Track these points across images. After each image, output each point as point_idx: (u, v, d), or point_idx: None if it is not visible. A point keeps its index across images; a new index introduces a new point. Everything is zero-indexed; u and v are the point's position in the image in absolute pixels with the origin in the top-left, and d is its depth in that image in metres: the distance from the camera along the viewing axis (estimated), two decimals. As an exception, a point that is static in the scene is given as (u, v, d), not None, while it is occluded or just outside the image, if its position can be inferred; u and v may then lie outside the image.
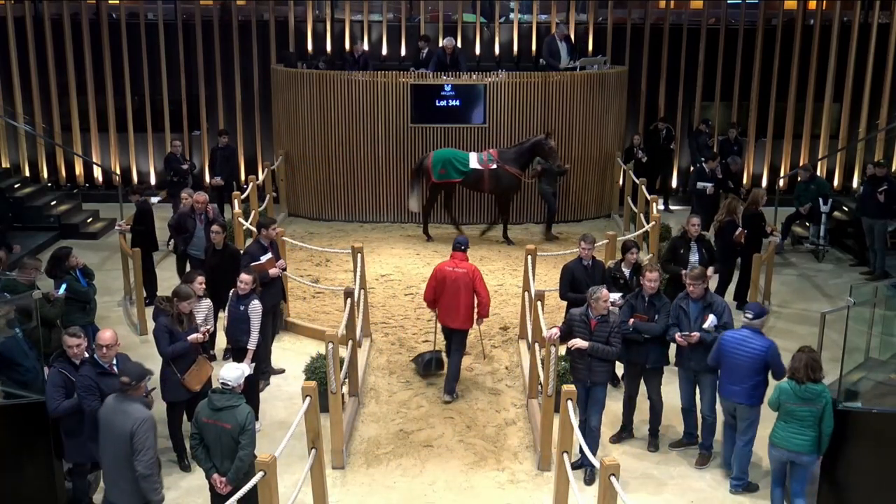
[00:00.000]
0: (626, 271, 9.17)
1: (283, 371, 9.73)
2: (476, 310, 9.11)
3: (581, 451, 7.32)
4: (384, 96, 14.96)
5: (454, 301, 9.01)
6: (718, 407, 8.10)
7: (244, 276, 8.43)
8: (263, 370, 9.47)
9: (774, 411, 7.15)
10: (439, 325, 9.50)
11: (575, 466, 7.40)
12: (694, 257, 9.96)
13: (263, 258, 9.52)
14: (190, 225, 10.91)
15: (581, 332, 7.67)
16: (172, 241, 11.70)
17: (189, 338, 7.71)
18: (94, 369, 6.75)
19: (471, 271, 9.05)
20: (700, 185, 13.63)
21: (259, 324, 8.40)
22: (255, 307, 8.36)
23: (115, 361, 6.86)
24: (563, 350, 8.11)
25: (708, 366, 7.86)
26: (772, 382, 7.48)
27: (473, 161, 13.97)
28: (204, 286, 8.53)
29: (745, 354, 7.45)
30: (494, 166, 13.91)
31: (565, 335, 7.78)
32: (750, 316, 7.59)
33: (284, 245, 10.90)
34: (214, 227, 9.91)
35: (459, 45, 16.14)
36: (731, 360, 7.51)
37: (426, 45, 15.70)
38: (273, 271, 9.56)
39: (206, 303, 8.63)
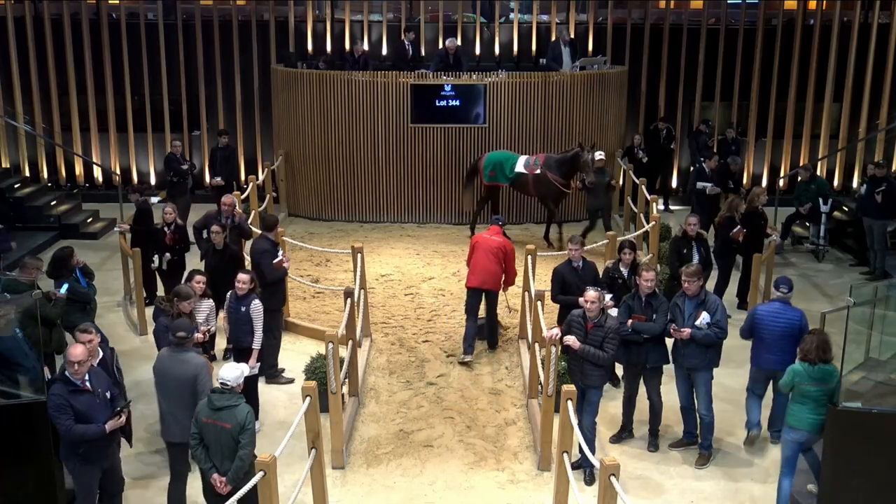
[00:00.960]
0: (624, 271, 9.17)
1: (292, 381, 9.58)
2: (504, 278, 10.19)
3: (581, 451, 7.33)
4: (384, 96, 14.96)
5: (484, 263, 9.98)
6: (716, 406, 8.11)
7: (242, 276, 8.34)
8: (271, 371, 9.48)
9: (786, 393, 7.33)
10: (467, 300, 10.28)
11: (575, 466, 7.40)
12: (696, 257, 10.06)
13: (281, 254, 9.60)
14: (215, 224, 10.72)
15: (578, 333, 7.67)
16: (158, 257, 10.93)
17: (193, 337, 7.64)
18: (65, 387, 6.46)
19: (504, 243, 10.16)
20: (700, 184, 13.62)
21: (261, 323, 8.35)
22: (256, 307, 8.31)
23: (87, 377, 6.55)
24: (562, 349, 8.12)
25: (701, 364, 7.92)
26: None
27: (520, 165, 13.85)
28: (203, 285, 8.50)
29: (781, 325, 8.02)
30: (538, 171, 13.71)
31: (565, 336, 7.77)
32: (785, 290, 8.19)
33: (285, 245, 10.91)
34: (214, 228, 9.89)
35: (459, 45, 16.13)
36: (767, 331, 8.08)
37: (413, 36, 15.74)
38: (286, 265, 9.71)
39: (208, 303, 8.61)
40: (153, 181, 17.30)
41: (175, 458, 7.05)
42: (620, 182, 15.81)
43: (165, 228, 10.81)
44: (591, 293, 7.61)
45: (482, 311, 10.31)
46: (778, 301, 8.18)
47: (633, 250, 9.27)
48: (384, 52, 17.01)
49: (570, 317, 7.87)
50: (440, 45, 16.79)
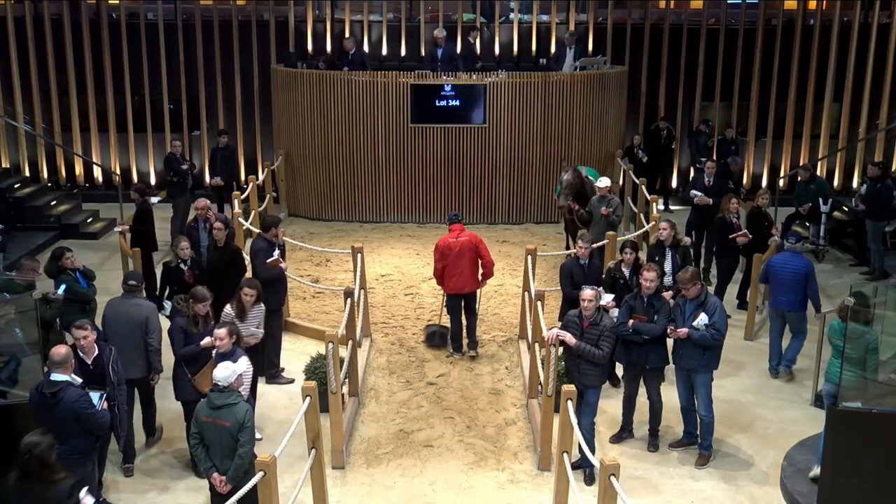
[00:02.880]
0: (626, 272, 9.16)
1: (292, 381, 9.55)
2: (481, 271, 10.07)
3: (581, 451, 7.33)
4: (384, 96, 14.96)
5: (461, 268, 9.89)
6: (716, 407, 8.11)
7: (219, 332, 7.18)
8: (272, 371, 9.47)
9: (832, 345, 8.00)
10: (444, 300, 10.32)
11: (574, 467, 7.40)
12: (669, 264, 9.69)
13: (276, 254, 9.50)
14: (194, 235, 10.65)
15: (574, 332, 7.67)
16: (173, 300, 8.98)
17: (201, 343, 7.54)
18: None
19: (471, 238, 10.01)
20: (692, 192, 13.04)
21: (251, 390, 7.45)
22: (245, 366, 6.95)
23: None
24: (562, 349, 8.12)
25: (698, 365, 7.92)
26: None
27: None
28: (253, 298, 8.20)
29: (790, 271, 9.55)
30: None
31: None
32: (793, 241, 9.73)
33: (285, 246, 10.88)
34: (217, 224, 9.88)
35: (459, 44, 16.14)
36: (779, 276, 9.64)
37: (353, 44, 15.69)
38: (282, 266, 9.55)
39: (259, 308, 8.34)
40: (153, 181, 17.30)
41: (134, 391, 7.94)
42: (620, 182, 15.81)
43: (182, 265, 9.39)
44: (587, 292, 7.65)
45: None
46: (788, 251, 9.73)
47: (635, 251, 9.24)
48: (384, 52, 17.00)
49: (567, 316, 7.89)
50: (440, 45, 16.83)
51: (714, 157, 16.70)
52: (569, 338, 7.58)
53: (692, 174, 16.92)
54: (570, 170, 11.90)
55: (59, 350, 6.42)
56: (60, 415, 6.30)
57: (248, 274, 9.62)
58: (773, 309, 9.88)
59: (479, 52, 16.36)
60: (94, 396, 6.54)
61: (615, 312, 8.29)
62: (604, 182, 11.38)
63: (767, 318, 10.36)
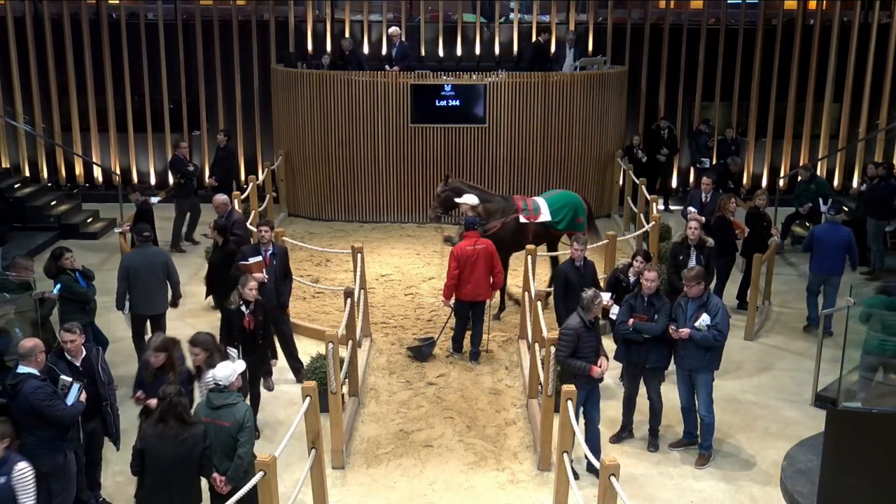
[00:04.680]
0: (632, 278, 9.06)
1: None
2: (492, 279, 10.00)
3: (586, 455, 7.31)
4: (384, 96, 14.95)
5: (477, 276, 9.80)
6: (717, 408, 8.09)
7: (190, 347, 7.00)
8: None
9: (864, 324, 8.32)
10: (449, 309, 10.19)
11: (590, 469, 7.61)
12: (693, 264, 9.61)
13: (252, 259, 9.21)
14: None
15: (590, 340, 7.60)
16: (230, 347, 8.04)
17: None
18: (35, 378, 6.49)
19: (490, 246, 9.95)
20: (688, 209, 12.24)
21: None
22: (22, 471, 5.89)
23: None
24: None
25: (699, 366, 7.91)
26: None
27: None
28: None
29: (835, 239, 10.68)
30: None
31: (572, 353, 7.58)
32: (833, 213, 11.08)
33: (277, 251, 10.66)
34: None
35: (459, 45, 16.13)
36: (825, 245, 10.71)
37: (350, 45, 15.69)
38: (258, 276, 8.78)
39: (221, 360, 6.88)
40: (153, 181, 17.29)
41: (155, 325, 9.39)
42: (620, 182, 15.79)
43: (243, 308, 8.07)
44: (603, 295, 7.74)
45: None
46: (829, 223, 10.98)
47: (647, 261, 8.93)
48: (384, 52, 17.00)
49: (570, 332, 7.62)
50: (440, 46, 16.83)
51: (714, 157, 16.74)
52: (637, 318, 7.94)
53: (692, 174, 16.99)
54: (442, 184, 11.53)
55: (26, 343, 6.54)
56: (20, 406, 6.40)
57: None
58: (813, 275, 10.97)
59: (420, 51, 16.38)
60: (74, 388, 6.56)
61: (615, 310, 8.33)
62: (467, 199, 10.92)
63: (807, 283, 11.26)
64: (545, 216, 11.25)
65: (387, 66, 15.36)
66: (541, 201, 11.48)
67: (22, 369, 6.45)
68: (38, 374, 6.47)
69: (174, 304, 9.82)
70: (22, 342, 6.58)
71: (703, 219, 10.88)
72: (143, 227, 9.76)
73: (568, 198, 11.64)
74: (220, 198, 10.96)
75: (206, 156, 16.62)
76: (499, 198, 11.59)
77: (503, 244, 10.84)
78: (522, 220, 11.16)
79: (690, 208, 11.90)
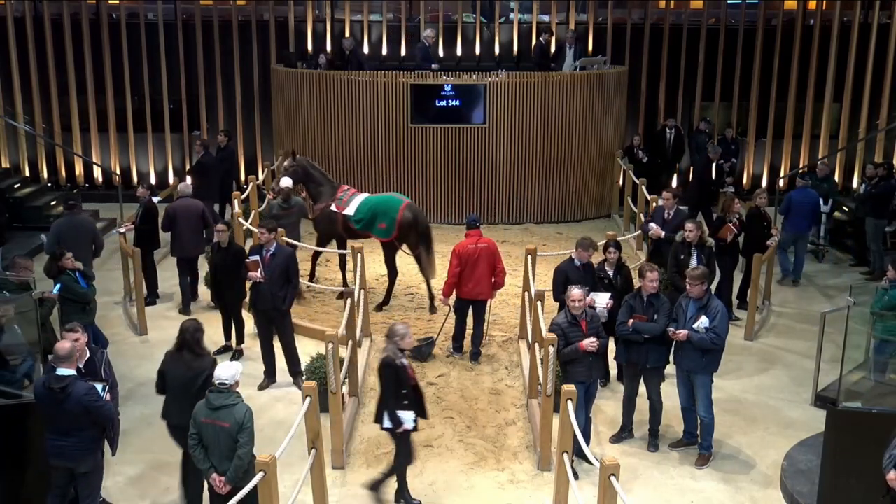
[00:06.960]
0: (609, 271, 9.10)
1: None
2: (494, 279, 9.94)
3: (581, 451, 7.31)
4: (384, 96, 14.96)
5: (479, 274, 9.75)
6: (717, 408, 8.08)
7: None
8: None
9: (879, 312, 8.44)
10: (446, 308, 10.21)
11: (579, 454, 7.50)
12: (695, 263, 9.60)
13: (251, 258, 9.32)
14: None
15: (576, 334, 7.65)
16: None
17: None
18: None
19: (492, 245, 9.95)
20: (649, 225, 11.26)
21: None
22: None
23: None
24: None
25: (697, 367, 7.89)
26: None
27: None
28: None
29: (808, 202, 12.68)
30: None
31: (562, 346, 7.69)
32: (807, 179, 13.18)
33: (269, 252, 10.57)
34: (220, 226, 9.88)
35: (459, 45, 16.14)
36: (800, 206, 12.63)
37: (350, 44, 15.66)
38: (252, 274, 9.13)
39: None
40: (153, 181, 17.29)
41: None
42: (620, 182, 15.78)
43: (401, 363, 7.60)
44: (576, 292, 7.70)
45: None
46: (802, 187, 12.81)
47: (619, 249, 9.18)
48: (384, 52, 17.01)
49: (559, 327, 7.75)
50: (440, 46, 16.83)
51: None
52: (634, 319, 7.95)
53: (692, 174, 16.98)
54: (290, 159, 11.80)
55: (64, 345, 6.50)
56: (69, 409, 6.36)
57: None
58: (788, 233, 12.67)
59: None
60: (98, 388, 6.60)
61: (599, 301, 8.57)
62: (283, 182, 11.50)
63: (781, 250, 12.73)
64: (349, 210, 11.42)
65: (433, 66, 15.26)
66: (358, 196, 11.58)
67: (63, 371, 6.41)
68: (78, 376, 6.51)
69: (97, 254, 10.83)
70: (58, 345, 6.54)
71: (663, 234, 10.69)
72: (71, 196, 11.01)
73: (383, 202, 11.43)
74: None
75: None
76: (330, 184, 11.81)
77: (318, 228, 11.81)
78: (333, 208, 11.50)
79: (651, 224, 11.09)
